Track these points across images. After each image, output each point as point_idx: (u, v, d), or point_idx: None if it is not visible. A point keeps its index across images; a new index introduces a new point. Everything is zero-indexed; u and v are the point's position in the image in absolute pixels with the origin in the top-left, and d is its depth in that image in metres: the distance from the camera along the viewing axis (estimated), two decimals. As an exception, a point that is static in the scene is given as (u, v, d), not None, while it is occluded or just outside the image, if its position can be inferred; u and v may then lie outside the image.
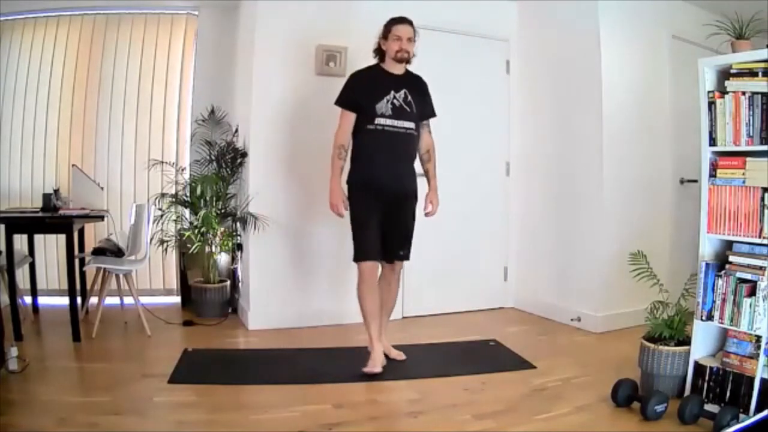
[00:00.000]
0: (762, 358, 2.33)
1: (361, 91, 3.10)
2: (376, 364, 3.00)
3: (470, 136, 4.45)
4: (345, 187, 3.20)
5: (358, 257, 3.07)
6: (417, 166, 3.23)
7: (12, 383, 2.71)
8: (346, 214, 3.15)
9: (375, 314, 3.10)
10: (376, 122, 3.04)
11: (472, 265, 4.45)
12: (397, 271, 3.22)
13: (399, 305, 4.11)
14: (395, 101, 3.06)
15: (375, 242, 3.07)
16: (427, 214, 3.22)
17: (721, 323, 2.47)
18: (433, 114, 3.26)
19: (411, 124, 3.09)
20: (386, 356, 3.17)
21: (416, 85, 3.18)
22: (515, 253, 4.66)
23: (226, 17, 4.68)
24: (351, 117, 3.11)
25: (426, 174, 3.27)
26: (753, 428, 1.93)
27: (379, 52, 3.18)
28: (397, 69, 3.13)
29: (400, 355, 3.23)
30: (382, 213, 3.09)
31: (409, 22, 3.09)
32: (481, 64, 4.48)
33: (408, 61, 3.14)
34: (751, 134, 2.41)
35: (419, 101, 3.14)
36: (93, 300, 4.11)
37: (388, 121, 3.04)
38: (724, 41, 2.74)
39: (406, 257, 3.20)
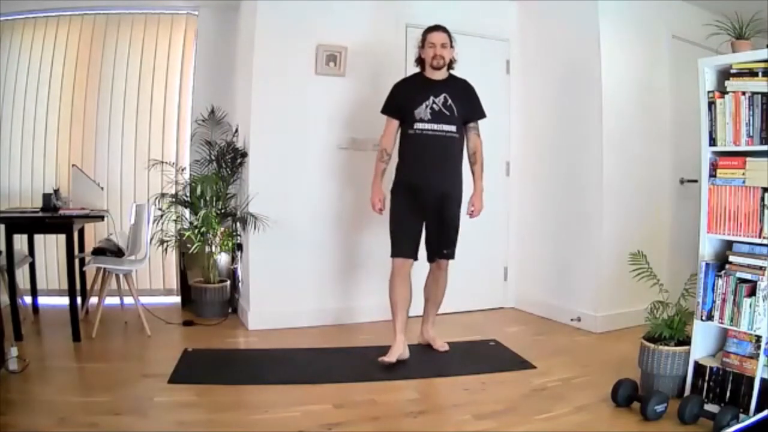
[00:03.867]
0: (762, 358, 2.33)
1: (402, 99, 3.26)
2: (391, 356, 3.11)
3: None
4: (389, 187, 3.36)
5: (392, 253, 3.24)
6: (466, 168, 3.36)
7: (12, 383, 2.71)
8: (385, 213, 3.33)
9: (401, 306, 3.23)
10: (415, 127, 3.19)
11: (472, 265, 4.45)
12: (443, 268, 3.34)
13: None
14: (434, 106, 3.18)
15: (409, 241, 3.23)
16: (470, 215, 3.35)
17: (721, 323, 2.47)
18: (480, 115, 3.34)
19: (452, 127, 3.20)
20: (430, 346, 3.41)
21: (459, 89, 3.28)
22: (515, 253, 4.66)
23: (226, 17, 4.68)
24: (393, 123, 3.30)
25: (473, 176, 3.35)
26: (753, 428, 1.93)
27: (420, 61, 3.31)
28: (438, 75, 3.25)
29: (443, 346, 3.38)
30: (423, 214, 3.26)
31: (443, 29, 3.25)
32: (481, 64, 4.47)
33: (450, 67, 3.29)
34: (751, 134, 2.41)
35: (462, 104, 3.24)
36: (93, 300, 4.11)
37: (427, 125, 3.17)
38: (724, 41, 2.73)
39: (450, 256, 3.32)
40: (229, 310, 4.27)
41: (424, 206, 3.23)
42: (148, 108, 4.75)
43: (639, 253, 2.86)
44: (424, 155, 3.20)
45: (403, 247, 3.23)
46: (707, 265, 2.51)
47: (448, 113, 3.20)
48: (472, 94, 3.34)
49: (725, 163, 2.49)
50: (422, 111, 3.19)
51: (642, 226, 3.98)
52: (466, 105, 3.28)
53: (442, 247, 3.29)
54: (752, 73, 2.40)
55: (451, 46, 3.26)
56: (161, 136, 4.78)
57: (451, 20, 4.28)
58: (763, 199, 2.35)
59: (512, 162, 4.63)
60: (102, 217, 4.04)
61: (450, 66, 3.30)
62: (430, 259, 3.36)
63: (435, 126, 3.18)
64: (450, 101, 3.21)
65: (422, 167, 3.21)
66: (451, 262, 3.35)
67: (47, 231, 3.70)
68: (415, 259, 3.27)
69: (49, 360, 3.18)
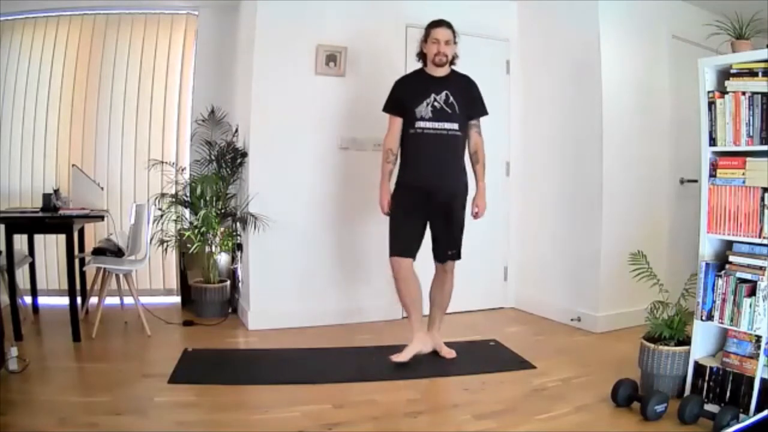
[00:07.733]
0: (762, 358, 2.33)
1: (403, 96, 3.19)
2: (403, 355, 3.12)
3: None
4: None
5: (391, 253, 3.18)
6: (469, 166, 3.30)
7: (12, 383, 2.71)
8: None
9: (412, 305, 3.21)
10: (416, 126, 3.12)
11: (472, 265, 4.44)
12: (449, 270, 3.28)
13: (399, 305, 4.11)
14: (436, 103, 3.11)
15: (408, 240, 3.17)
16: (474, 217, 3.28)
17: (721, 323, 2.47)
18: (481, 113, 3.27)
19: (453, 125, 3.13)
20: (437, 352, 3.28)
21: (461, 86, 3.21)
22: (515, 253, 4.66)
23: (226, 17, 4.68)
24: (397, 122, 3.21)
25: (474, 175, 3.29)
26: (753, 428, 1.94)
27: (422, 56, 3.24)
28: (440, 71, 3.18)
29: (450, 353, 3.28)
30: (429, 215, 3.18)
31: (448, 25, 3.16)
32: (481, 64, 4.46)
33: (451, 63, 3.21)
34: (751, 134, 2.41)
35: (464, 101, 3.17)
36: (93, 300, 4.11)
37: (428, 124, 3.10)
38: (724, 41, 2.73)
39: (456, 257, 3.25)
40: (229, 310, 4.27)
41: (430, 208, 3.17)
42: (148, 108, 4.75)
43: (639, 253, 2.86)
44: (427, 155, 3.14)
45: (401, 246, 3.17)
46: (707, 265, 2.51)
47: (449, 111, 3.12)
48: (474, 90, 3.26)
49: (725, 163, 2.49)
50: (423, 109, 3.11)
51: (642, 225, 3.98)
52: (468, 102, 3.20)
53: (448, 248, 3.23)
54: (752, 73, 2.40)
55: (455, 42, 3.18)
56: (161, 136, 4.78)
57: (451, 20, 4.30)
58: (763, 199, 2.35)
59: (512, 162, 4.63)
60: (102, 217, 4.05)
61: (452, 62, 3.24)
62: (438, 259, 3.29)
63: (437, 124, 3.11)
64: (452, 98, 3.13)
65: (426, 168, 3.14)
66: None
67: (47, 231, 3.70)
68: (413, 258, 3.21)
69: (49, 360, 3.18)
